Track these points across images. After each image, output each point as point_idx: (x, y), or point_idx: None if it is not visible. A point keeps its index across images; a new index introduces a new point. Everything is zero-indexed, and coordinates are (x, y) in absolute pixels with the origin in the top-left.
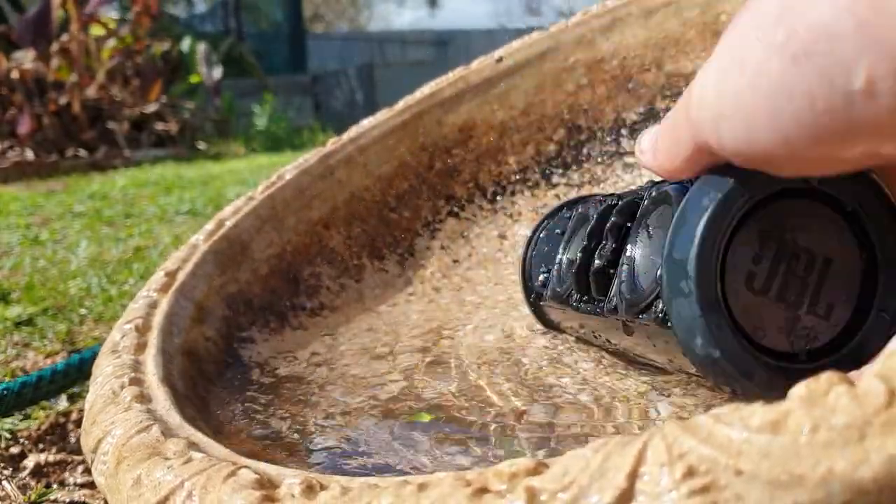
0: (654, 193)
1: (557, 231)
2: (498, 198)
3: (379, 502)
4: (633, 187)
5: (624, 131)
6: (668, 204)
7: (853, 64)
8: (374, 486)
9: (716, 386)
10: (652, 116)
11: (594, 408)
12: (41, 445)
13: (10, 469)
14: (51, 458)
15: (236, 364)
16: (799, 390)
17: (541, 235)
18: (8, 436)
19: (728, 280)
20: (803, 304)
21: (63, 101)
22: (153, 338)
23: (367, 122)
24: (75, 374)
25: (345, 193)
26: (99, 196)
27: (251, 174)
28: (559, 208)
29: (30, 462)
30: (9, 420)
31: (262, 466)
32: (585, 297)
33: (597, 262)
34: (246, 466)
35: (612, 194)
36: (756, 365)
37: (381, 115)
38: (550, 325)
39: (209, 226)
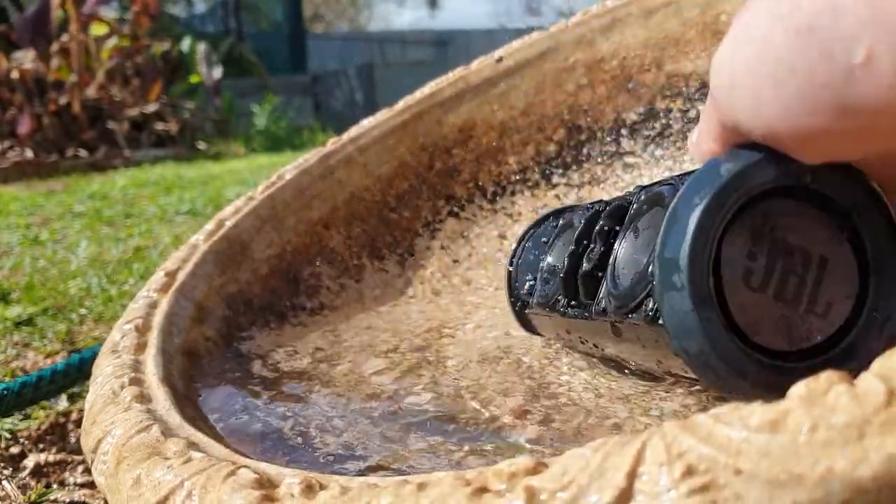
0: (644, 196)
1: (543, 240)
2: (498, 198)
3: (378, 502)
4: (632, 188)
5: (624, 131)
6: (661, 206)
7: (855, 40)
8: (374, 485)
9: (707, 388)
10: (652, 116)
11: (594, 407)
12: (41, 445)
13: (10, 469)
14: (51, 458)
15: (236, 363)
16: (798, 389)
17: (527, 244)
18: (8, 436)
19: (724, 276)
20: (802, 302)
21: (63, 101)
22: (153, 338)
23: (367, 122)
24: (75, 374)
25: (345, 193)
26: (99, 196)
27: (251, 174)
28: (545, 218)
29: (30, 462)
30: (9, 420)
31: (262, 466)
32: (573, 302)
33: (585, 265)
34: (245, 466)
35: (599, 201)
36: (748, 362)
37: (381, 115)
38: (536, 334)
39: (209, 226)
